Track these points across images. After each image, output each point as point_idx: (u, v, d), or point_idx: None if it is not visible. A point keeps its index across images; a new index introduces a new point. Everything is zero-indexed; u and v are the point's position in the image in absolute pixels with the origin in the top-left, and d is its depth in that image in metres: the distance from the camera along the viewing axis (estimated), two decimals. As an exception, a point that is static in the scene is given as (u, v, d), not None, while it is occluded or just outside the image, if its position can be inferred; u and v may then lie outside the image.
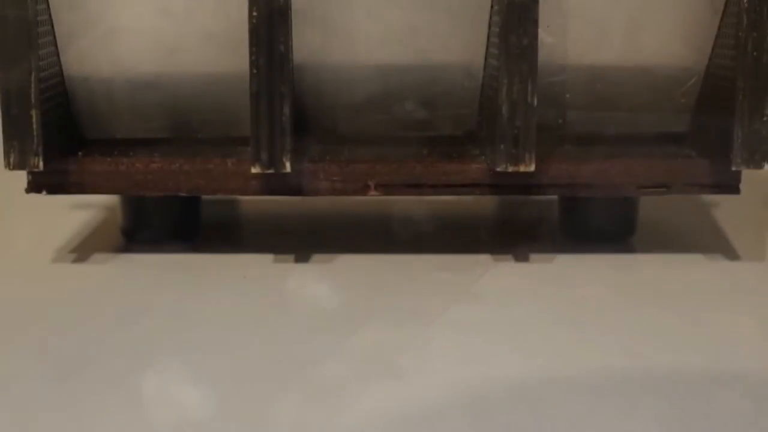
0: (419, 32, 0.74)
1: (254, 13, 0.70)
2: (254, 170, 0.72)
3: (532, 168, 0.72)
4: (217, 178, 0.74)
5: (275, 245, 0.79)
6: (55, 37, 0.73)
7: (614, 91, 0.76)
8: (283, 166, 0.72)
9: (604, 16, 0.74)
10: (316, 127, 0.78)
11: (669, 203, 0.87)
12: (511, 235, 0.84)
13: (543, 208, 0.86)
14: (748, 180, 0.75)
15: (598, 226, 0.81)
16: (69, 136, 0.76)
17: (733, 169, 0.73)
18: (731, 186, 0.75)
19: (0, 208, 0.88)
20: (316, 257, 0.77)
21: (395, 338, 0.64)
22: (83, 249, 0.79)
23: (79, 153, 0.76)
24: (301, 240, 0.81)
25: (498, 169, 0.72)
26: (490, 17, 0.73)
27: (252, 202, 0.90)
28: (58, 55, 0.74)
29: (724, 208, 0.87)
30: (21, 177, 0.74)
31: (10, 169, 0.72)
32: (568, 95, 0.76)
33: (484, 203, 0.91)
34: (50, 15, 0.73)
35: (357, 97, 0.76)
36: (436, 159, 0.75)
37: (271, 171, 0.72)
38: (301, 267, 0.76)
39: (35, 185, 0.75)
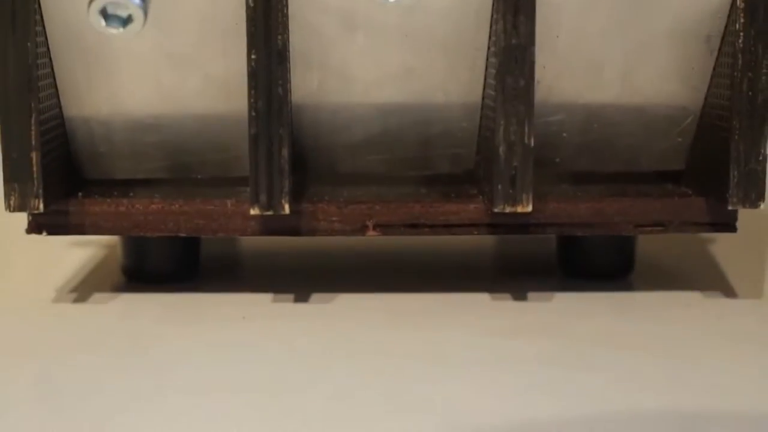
0: (416, 73, 0.74)
1: (253, 56, 0.71)
2: (253, 212, 0.72)
3: (529, 209, 0.72)
4: (216, 218, 0.75)
5: (275, 284, 0.80)
6: (55, 79, 0.74)
7: (611, 130, 0.77)
8: (282, 207, 0.72)
9: (601, 57, 0.74)
10: (315, 166, 0.78)
11: (667, 239, 0.87)
12: (510, 272, 0.85)
13: (541, 245, 0.87)
14: (744, 216, 0.76)
15: (596, 263, 0.81)
16: (69, 176, 0.77)
17: (730, 208, 0.73)
18: (728, 224, 0.76)
19: (0, 245, 0.88)
20: (315, 296, 0.78)
21: (394, 377, 0.64)
22: (84, 288, 0.80)
23: (79, 194, 0.76)
24: (301, 279, 0.82)
25: (496, 210, 0.72)
26: (487, 58, 0.73)
27: (251, 240, 0.91)
28: (58, 97, 0.75)
29: (721, 244, 0.88)
30: (21, 215, 0.74)
31: (10, 211, 0.72)
32: (565, 134, 0.77)
33: (482, 240, 0.91)
34: (50, 58, 0.73)
35: (355, 137, 0.77)
36: (434, 199, 0.75)
37: (270, 213, 0.72)
38: (301, 306, 0.76)
39: (36, 226, 0.75)
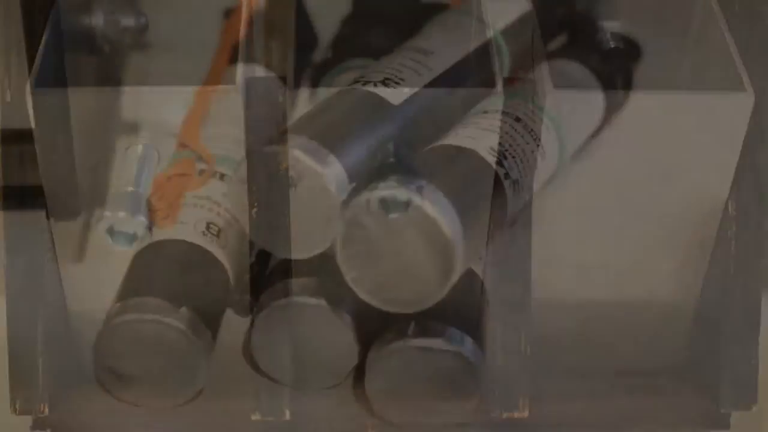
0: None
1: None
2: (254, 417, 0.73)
3: (526, 414, 0.73)
4: (220, 420, 0.76)
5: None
6: (60, 280, 0.75)
7: (604, 328, 0.78)
8: (283, 414, 0.73)
9: (594, 260, 0.76)
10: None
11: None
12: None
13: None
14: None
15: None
16: (73, 372, 0.78)
17: (722, 411, 0.74)
18: (722, 422, 0.77)
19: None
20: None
21: None
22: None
23: (83, 389, 0.77)
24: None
25: (492, 415, 0.73)
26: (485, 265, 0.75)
27: None
28: (63, 297, 0.76)
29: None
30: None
31: (16, 414, 0.73)
32: (558, 334, 0.78)
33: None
34: (57, 260, 0.75)
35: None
36: (432, 398, 0.76)
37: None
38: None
39: (40, 424, 0.76)
